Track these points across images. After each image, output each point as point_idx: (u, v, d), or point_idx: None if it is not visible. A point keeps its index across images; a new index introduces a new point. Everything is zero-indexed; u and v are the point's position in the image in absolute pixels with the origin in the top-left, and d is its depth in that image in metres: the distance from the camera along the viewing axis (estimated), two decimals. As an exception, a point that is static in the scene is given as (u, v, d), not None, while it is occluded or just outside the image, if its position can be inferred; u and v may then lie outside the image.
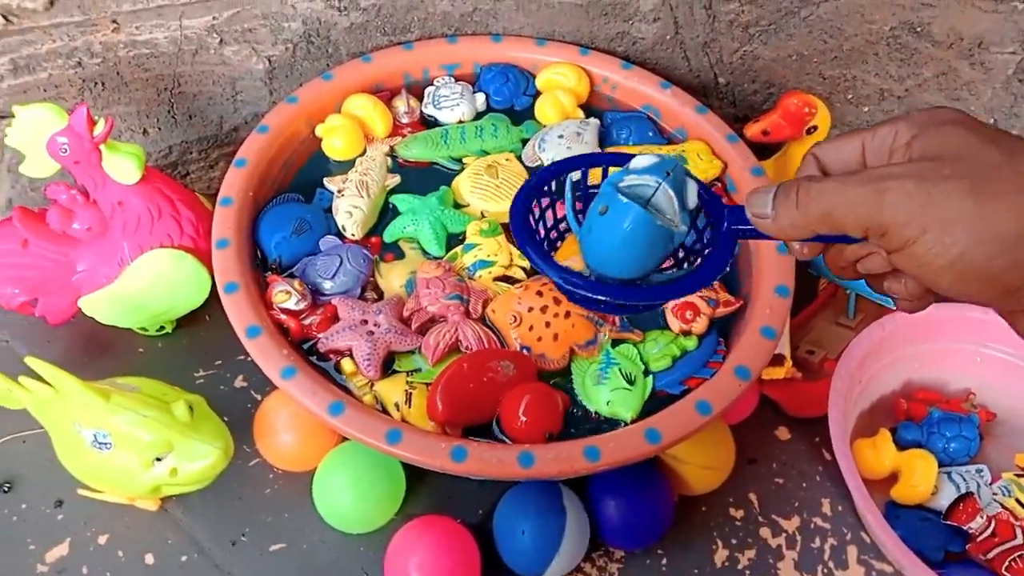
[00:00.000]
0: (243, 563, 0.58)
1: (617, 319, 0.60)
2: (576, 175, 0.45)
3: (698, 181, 0.41)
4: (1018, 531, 0.58)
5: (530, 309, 0.58)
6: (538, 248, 0.43)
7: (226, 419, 0.57)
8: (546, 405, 0.53)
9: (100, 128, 0.57)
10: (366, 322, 0.57)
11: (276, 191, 0.65)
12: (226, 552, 0.58)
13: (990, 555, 0.58)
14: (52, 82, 0.65)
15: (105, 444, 0.53)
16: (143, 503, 0.59)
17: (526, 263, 0.63)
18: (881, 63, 0.74)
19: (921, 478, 0.61)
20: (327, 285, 0.59)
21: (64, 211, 0.62)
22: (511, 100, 0.73)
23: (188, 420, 0.53)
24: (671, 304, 0.61)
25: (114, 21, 0.64)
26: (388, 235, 0.64)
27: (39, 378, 0.53)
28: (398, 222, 0.64)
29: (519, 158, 0.69)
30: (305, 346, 0.57)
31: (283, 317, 0.56)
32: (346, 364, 0.56)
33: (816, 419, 0.66)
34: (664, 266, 0.43)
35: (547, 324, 0.58)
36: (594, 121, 0.71)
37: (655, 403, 0.56)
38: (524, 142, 0.70)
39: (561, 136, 0.68)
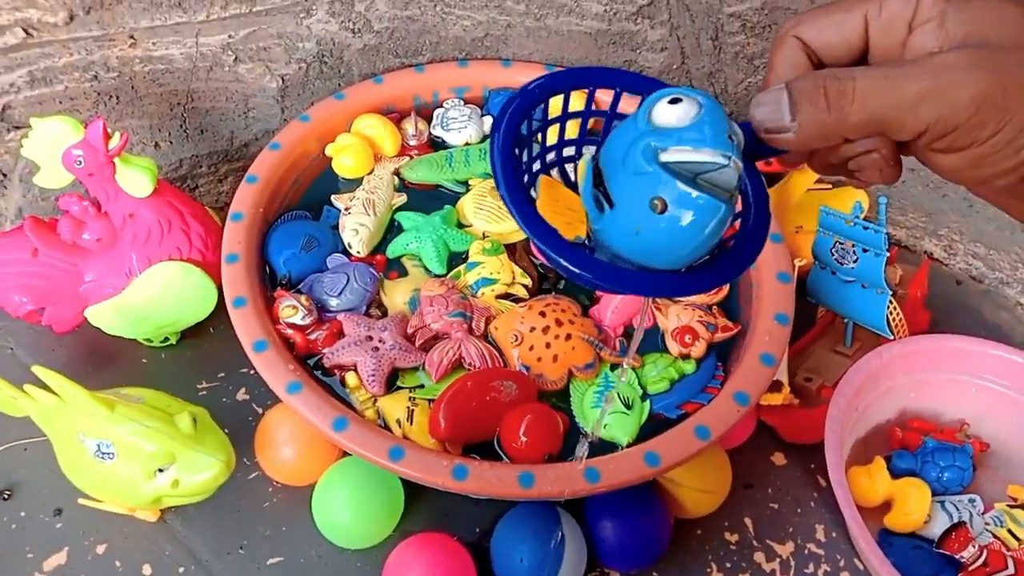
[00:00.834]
0: (240, 576, 0.58)
1: (617, 345, 0.61)
2: (588, 150, 0.35)
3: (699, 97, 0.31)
4: (1010, 561, 0.59)
5: (532, 329, 0.59)
6: (544, 227, 0.32)
7: (227, 431, 0.57)
8: (546, 426, 0.54)
9: (115, 142, 0.58)
10: (371, 338, 0.58)
11: (285, 207, 0.66)
12: (224, 564, 0.59)
13: (982, 585, 0.59)
14: (68, 94, 0.66)
15: (108, 454, 0.54)
16: (143, 514, 0.59)
17: (528, 281, 0.64)
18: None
19: (915, 507, 0.62)
20: (333, 302, 0.60)
21: (75, 222, 0.63)
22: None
23: (191, 432, 0.54)
24: (671, 328, 0.61)
25: (131, 36, 0.65)
26: (391, 251, 0.65)
27: (44, 386, 0.54)
28: (401, 239, 0.65)
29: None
30: (310, 361, 0.58)
31: (289, 332, 0.57)
32: (350, 378, 0.56)
33: (812, 445, 0.66)
34: None
35: (547, 345, 0.59)
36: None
37: (652, 426, 0.57)
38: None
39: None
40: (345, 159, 0.68)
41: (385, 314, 0.62)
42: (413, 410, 0.55)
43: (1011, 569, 0.58)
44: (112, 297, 0.63)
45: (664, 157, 0.29)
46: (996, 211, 0.75)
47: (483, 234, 0.67)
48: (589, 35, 0.73)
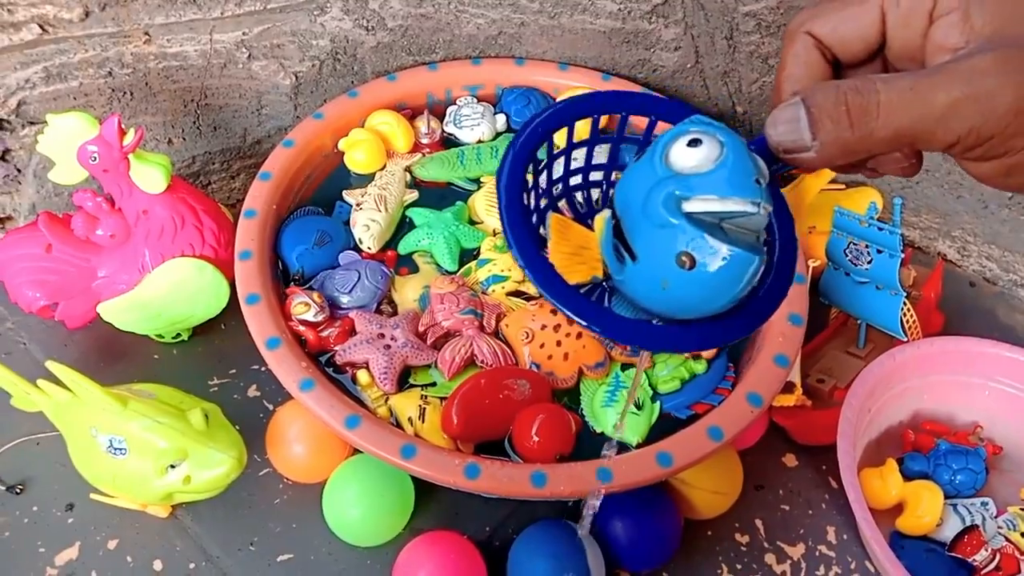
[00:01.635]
0: (250, 572, 0.58)
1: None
2: (606, 213, 0.32)
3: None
4: (1022, 565, 0.59)
5: (543, 327, 0.59)
6: (564, 287, 0.31)
7: (238, 428, 0.57)
8: (559, 426, 0.54)
9: (130, 138, 0.58)
10: (383, 336, 0.58)
11: (298, 204, 0.66)
12: (234, 561, 0.59)
13: (995, 589, 0.58)
14: (83, 91, 0.66)
15: (120, 450, 0.54)
16: (154, 509, 0.60)
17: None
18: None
19: (927, 509, 0.62)
20: (344, 299, 0.60)
21: (89, 218, 0.63)
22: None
23: (204, 428, 0.54)
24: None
25: (146, 33, 0.65)
26: (402, 247, 0.65)
27: (57, 382, 0.54)
28: (413, 235, 0.65)
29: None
30: (322, 358, 0.58)
31: (301, 329, 0.57)
32: (362, 376, 0.56)
33: (824, 447, 0.66)
34: None
35: (558, 343, 0.59)
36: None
37: (662, 425, 0.57)
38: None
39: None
40: (357, 154, 0.68)
41: (395, 310, 0.62)
42: (425, 408, 0.55)
43: (1024, 573, 0.58)
44: (125, 293, 0.63)
45: (688, 207, 0.28)
46: (1011, 213, 0.75)
47: (494, 231, 0.67)
48: (603, 33, 0.73)
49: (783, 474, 0.67)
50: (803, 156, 0.28)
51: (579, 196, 0.38)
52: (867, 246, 0.65)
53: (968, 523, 0.61)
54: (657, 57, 0.74)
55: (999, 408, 0.68)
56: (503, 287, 0.62)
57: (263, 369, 0.67)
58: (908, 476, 0.64)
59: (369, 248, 0.64)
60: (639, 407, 0.57)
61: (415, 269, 0.64)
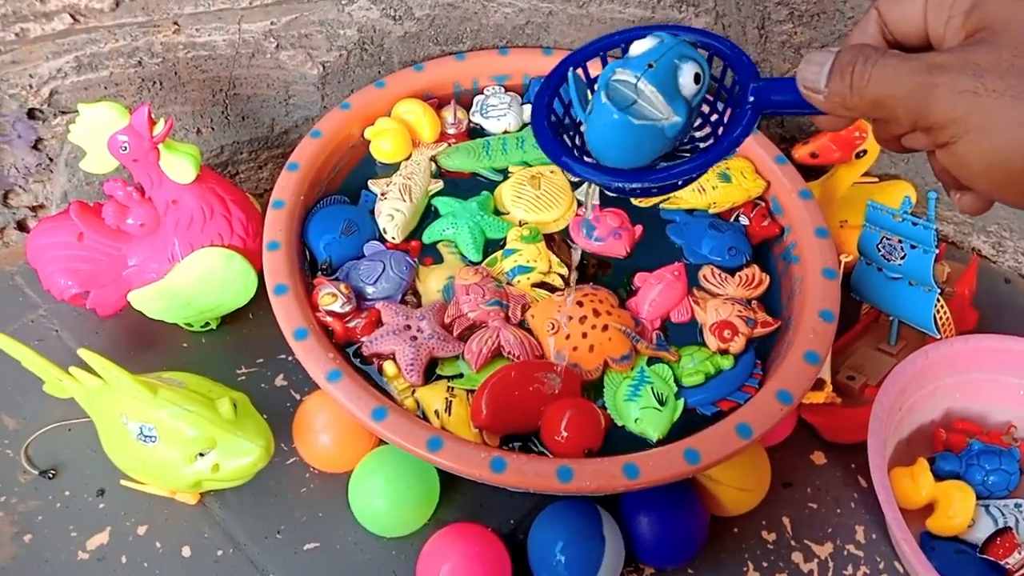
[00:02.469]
0: (277, 560, 0.59)
1: (653, 338, 0.60)
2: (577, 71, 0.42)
3: (730, 53, 0.39)
4: (1057, 569, 0.58)
5: (569, 318, 0.59)
6: (556, 139, 0.41)
7: (265, 417, 0.58)
8: (588, 422, 0.53)
9: (160, 128, 0.59)
10: (409, 327, 0.57)
11: (324, 194, 0.66)
12: (261, 548, 0.59)
13: (1027, 592, 0.57)
14: (113, 80, 0.67)
15: (150, 437, 0.55)
16: (183, 496, 0.60)
17: (564, 271, 0.63)
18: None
19: (958, 510, 0.61)
20: (369, 290, 0.60)
21: (119, 207, 0.64)
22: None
23: (232, 417, 0.54)
24: (709, 322, 0.61)
25: (175, 23, 0.65)
26: (427, 236, 0.65)
27: (89, 369, 0.55)
28: (438, 224, 0.65)
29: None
30: (348, 349, 0.58)
31: (328, 320, 0.57)
32: (388, 367, 0.56)
33: (853, 445, 0.65)
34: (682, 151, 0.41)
35: (584, 335, 0.58)
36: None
37: (687, 420, 0.56)
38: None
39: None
40: (384, 143, 0.68)
41: (420, 301, 0.62)
42: (451, 401, 0.54)
43: (1059, 576, 0.57)
44: (155, 282, 0.64)
45: (613, 77, 0.37)
46: (1050, 208, 0.73)
47: (520, 222, 0.66)
48: (632, 22, 0.72)
49: (811, 472, 0.66)
50: (814, 97, 0.33)
51: None
52: (900, 241, 0.64)
53: (1001, 525, 0.60)
54: (687, 47, 0.73)
55: (1034, 408, 0.66)
56: (528, 278, 0.62)
57: (290, 358, 0.67)
58: (939, 476, 0.63)
59: (393, 238, 0.63)
60: (662, 403, 0.56)
61: (439, 259, 0.64)
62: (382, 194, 0.66)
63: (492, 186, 0.68)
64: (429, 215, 0.67)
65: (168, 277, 0.64)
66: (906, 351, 0.66)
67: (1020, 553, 0.58)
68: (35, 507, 0.61)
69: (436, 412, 0.54)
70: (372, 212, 0.65)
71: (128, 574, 0.58)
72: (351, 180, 0.68)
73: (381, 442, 0.60)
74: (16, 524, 0.60)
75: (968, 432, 0.66)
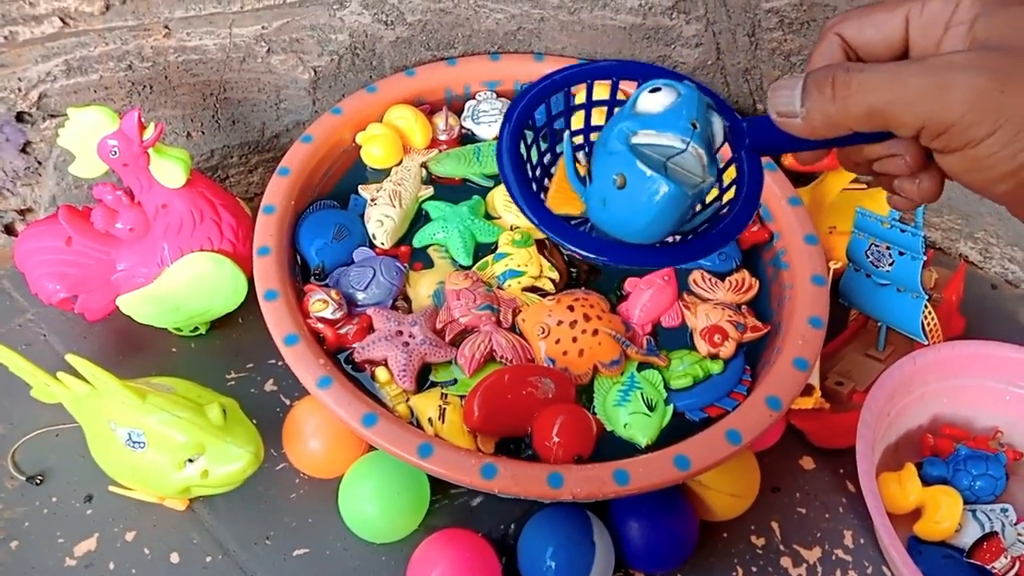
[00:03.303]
0: (266, 566, 0.59)
1: (644, 343, 0.60)
2: (569, 125, 0.39)
3: (714, 100, 0.35)
4: (1043, 574, 0.58)
5: (559, 323, 0.59)
6: (534, 199, 0.37)
7: (255, 422, 0.58)
8: (580, 429, 0.53)
9: (150, 132, 0.59)
10: (401, 333, 0.57)
11: (315, 198, 0.66)
12: (250, 554, 0.59)
13: (1013, 596, 0.58)
14: (102, 84, 0.67)
15: (139, 443, 0.54)
16: (171, 503, 0.60)
17: (555, 275, 0.63)
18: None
19: (945, 515, 0.61)
20: (359, 296, 0.60)
21: (108, 211, 0.63)
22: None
23: (221, 423, 0.54)
24: (700, 327, 0.61)
25: (166, 27, 0.65)
26: (417, 240, 0.65)
27: (77, 374, 0.54)
28: (428, 228, 0.65)
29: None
30: (340, 356, 0.58)
31: (319, 326, 0.57)
32: (380, 373, 0.56)
33: (841, 450, 0.66)
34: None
35: (574, 339, 0.59)
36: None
37: (676, 425, 0.57)
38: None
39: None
40: (374, 149, 0.68)
41: (410, 306, 0.62)
42: (445, 408, 0.54)
43: (1044, 581, 0.58)
44: (144, 286, 0.64)
45: (634, 140, 0.33)
46: (1036, 215, 0.74)
47: (512, 226, 0.66)
48: (623, 29, 0.72)
49: (800, 477, 0.66)
50: (792, 123, 0.31)
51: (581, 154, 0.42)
52: (888, 248, 0.64)
53: (987, 530, 0.61)
54: (678, 53, 0.73)
55: (1020, 413, 0.67)
56: (519, 282, 0.62)
57: (280, 364, 0.67)
58: (927, 481, 0.63)
59: (383, 244, 0.63)
60: (651, 408, 0.56)
61: (429, 263, 0.64)
62: (372, 199, 0.66)
63: (484, 192, 0.69)
64: (420, 219, 0.67)
65: (157, 282, 0.63)
66: (894, 357, 0.66)
67: (1006, 557, 0.59)
68: (22, 513, 0.60)
69: (430, 419, 0.54)
70: (362, 216, 0.65)
71: (116, 581, 0.58)
72: (342, 185, 0.68)
73: (371, 448, 0.60)
74: (2, 531, 0.59)
75: (955, 437, 0.66)
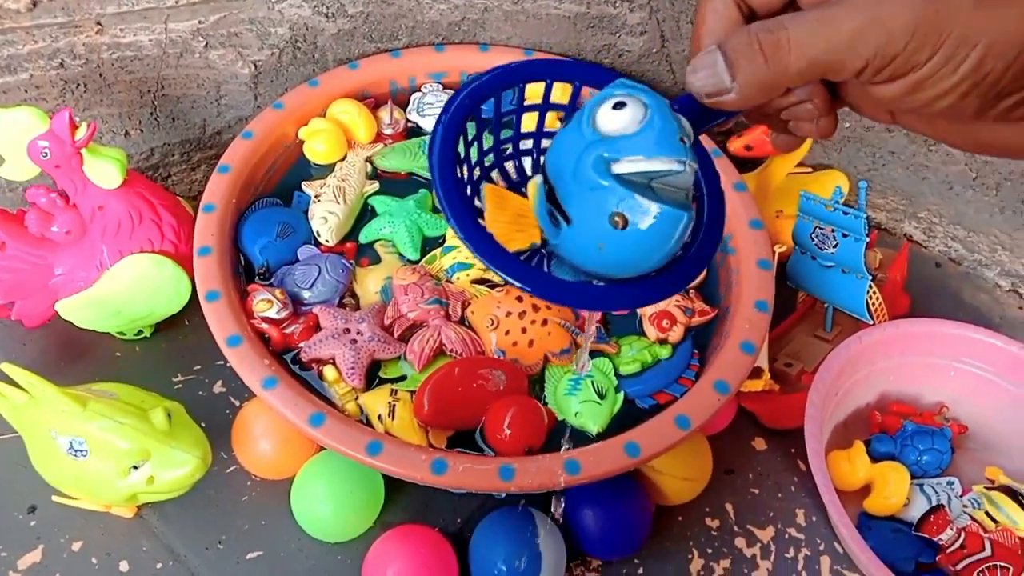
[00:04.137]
0: (219, 571, 0.58)
1: (593, 330, 0.60)
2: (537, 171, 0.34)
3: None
4: (987, 543, 0.59)
5: (508, 314, 0.59)
6: (497, 251, 0.31)
7: (203, 425, 0.57)
8: (531, 420, 0.53)
9: (82, 132, 0.57)
10: (349, 331, 0.57)
11: (259, 196, 0.65)
12: (202, 560, 0.58)
13: (959, 566, 0.59)
14: (33, 83, 0.64)
15: (81, 451, 0.53)
16: (119, 510, 0.59)
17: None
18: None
19: (894, 490, 0.62)
20: (306, 295, 0.59)
21: (43, 214, 0.61)
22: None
23: (166, 428, 0.53)
24: (648, 312, 0.61)
25: (98, 23, 0.63)
26: (364, 236, 0.64)
27: (14, 383, 0.53)
28: (375, 223, 0.64)
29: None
30: (287, 356, 0.57)
31: (264, 326, 0.56)
32: (328, 372, 0.56)
33: (792, 430, 0.66)
34: None
35: (523, 330, 0.59)
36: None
37: (627, 412, 0.57)
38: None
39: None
40: (317, 144, 0.67)
41: (358, 303, 0.61)
42: (395, 405, 0.54)
43: (988, 551, 0.59)
44: (83, 290, 0.62)
45: (617, 168, 0.29)
46: (975, 193, 0.75)
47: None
48: (568, 19, 0.72)
49: (752, 458, 0.67)
50: (725, 99, 0.30)
51: (511, 166, 0.38)
52: (833, 230, 0.65)
53: (934, 503, 0.62)
54: (623, 42, 0.73)
55: (964, 388, 0.69)
56: (468, 275, 0.62)
57: (228, 365, 0.65)
58: (875, 458, 0.64)
59: (327, 241, 0.63)
60: (602, 396, 0.57)
61: (376, 259, 0.64)
62: (316, 196, 0.65)
63: (429, 186, 0.68)
64: (366, 215, 0.66)
65: (97, 285, 0.62)
66: (841, 337, 0.67)
67: (952, 529, 0.60)
68: (-38, 528, 0.58)
69: (380, 417, 0.54)
70: (306, 212, 0.64)
71: (63, 593, 0.56)
72: (286, 182, 0.67)
73: (322, 447, 0.59)
74: (-58, 546, 0.57)
75: (902, 414, 0.68)
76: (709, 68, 0.30)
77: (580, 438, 0.55)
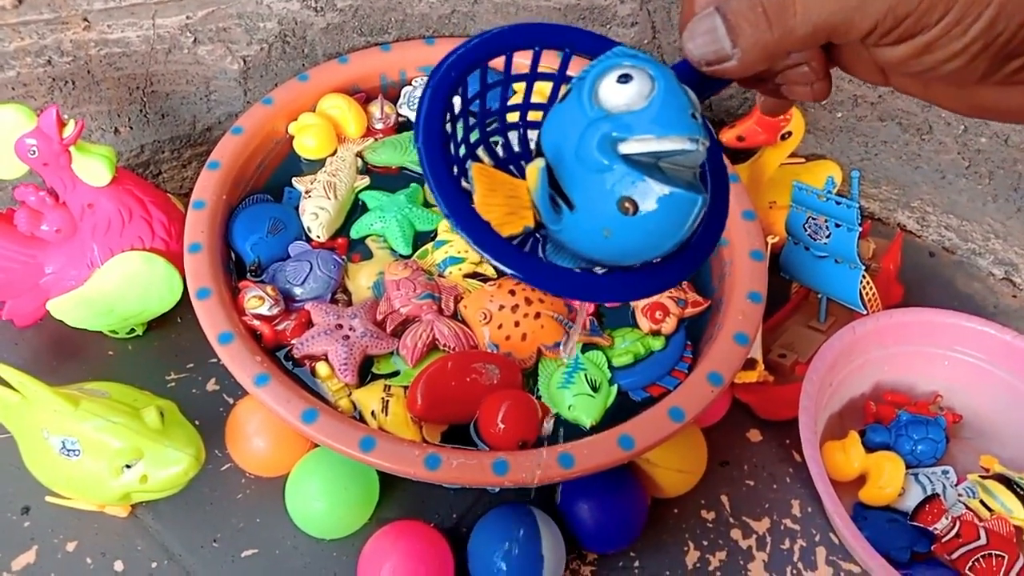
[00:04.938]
0: (214, 569, 0.58)
1: (586, 323, 0.60)
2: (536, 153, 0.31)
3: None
4: (982, 532, 0.60)
5: (501, 307, 0.59)
6: (494, 238, 0.29)
7: (197, 423, 0.57)
8: (525, 414, 0.53)
9: (70, 130, 0.56)
10: (341, 326, 0.57)
11: (249, 192, 0.64)
12: (197, 558, 0.58)
13: (954, 555, 0.59)
14: (20, 80, 0.64)
15: (74, 451, 0.53)
16: (112, 510, 0.59)
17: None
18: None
19: (889, 480, 0.62)
20: (297, 291, 0.59)
21: (32, 213, 0.61)
22: (488, 102, 0.73)
23: (159, 426, 0.53)
24: (641, 304, 0.61)
25: (85, 19, 0.63)
26: (355, 231, 0.64)
27: (6, 383, 0.53)
28: (366, 219, 0.64)
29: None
30: (279, 352, 0.57)
31: (256, 323, 0.56)
32: (321, 368, 0.55)
33: (787, 421, 0.66)
34: None
35: (516, 323, 0.58)
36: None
37: (621, 404, 0.57)
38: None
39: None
40: (307, 139, 0.67)
41: (351, 299, 0.61)
42: (388, 400, 0.54)
43: (983, 539, 0.59)
44: (74, 289, 0.62)
45: (624, 149, 0.26)
46: (968, 182, 0.75)
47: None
48: (558, 10, 0.71)
49: (747, 450, 0.67)
50: (726, 66, 0.28)
51: (497, 141, 0.36)
52: (826, 220, 0.65)
53: (929, 492, 0.62)
54: (614, 33, 0.73)
55: (958, 377, 0.69)
56: (460, 269, 0.62)
57: (221, 363, 0.65)
58: (870, 447, 0.64)
59: (318, 237, 0.62)
60: (595, 389, 0.56)
61: (367, 254, 0.63)
62: (306, 192, 0.64)
63: (420, 180, 0.68)
64: (357, 210, 0.66)
65: (88, 284, 0.61)
66: (835, 327, 0.67)
67: (947, 518, 0.60)
68: (-45, 529, 0.58)
69: (373, 413, 0.54)
70: (297, 208, 0.64)
71: (58, 593, 0.56)
72: (276, 178, 0.67)
73: (316, 444, 0.59)
74: (-65, 548, 0.57)
75: (896, 404, 0.68)
76: (708, 33, 0.28)
77: (573, 431, 0.55)
